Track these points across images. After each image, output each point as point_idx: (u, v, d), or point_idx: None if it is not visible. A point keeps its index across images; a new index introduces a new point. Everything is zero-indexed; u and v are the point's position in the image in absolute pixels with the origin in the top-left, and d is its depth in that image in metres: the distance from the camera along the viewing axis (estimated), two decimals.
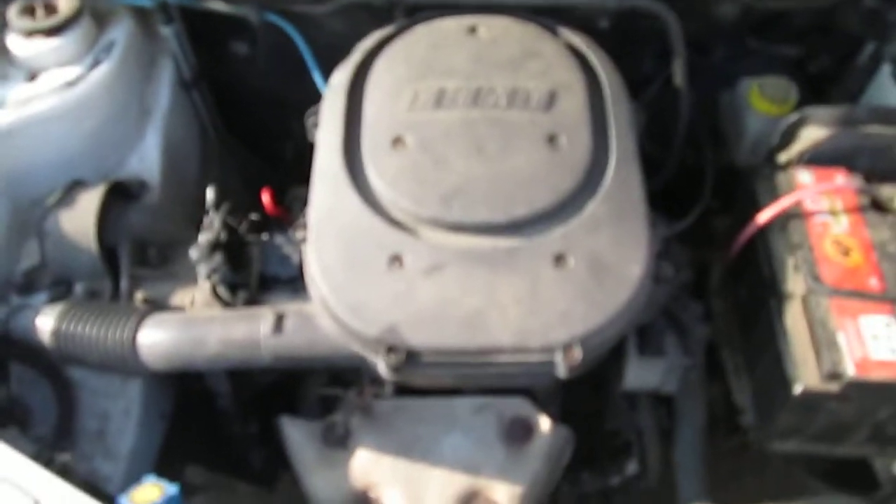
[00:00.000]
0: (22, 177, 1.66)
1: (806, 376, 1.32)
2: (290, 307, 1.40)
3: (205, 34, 1.94)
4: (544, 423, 1.52)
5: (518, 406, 1.54)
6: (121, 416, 1.62)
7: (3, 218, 1.65)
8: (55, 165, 1.68)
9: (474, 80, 1.45)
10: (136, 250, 1.60)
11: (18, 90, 1.63)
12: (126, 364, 1.41)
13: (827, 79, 1.87)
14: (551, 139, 1.39)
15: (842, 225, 1.44)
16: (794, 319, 1.39)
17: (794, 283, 1.41)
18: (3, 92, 1.62)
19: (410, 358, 1.25)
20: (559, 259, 1.29)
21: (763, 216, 1.48)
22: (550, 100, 1.43)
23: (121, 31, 1.78)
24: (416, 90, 1.45)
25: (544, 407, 1.55)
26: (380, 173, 1.37)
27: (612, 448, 1.78)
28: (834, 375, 1.28)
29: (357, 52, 1.58)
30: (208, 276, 1.45)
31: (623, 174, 1.38)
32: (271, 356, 1.35)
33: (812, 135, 1.52)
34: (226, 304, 1.47)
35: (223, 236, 1.49)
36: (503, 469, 1.48)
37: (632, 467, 1.70)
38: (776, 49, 1.89)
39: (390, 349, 1.24)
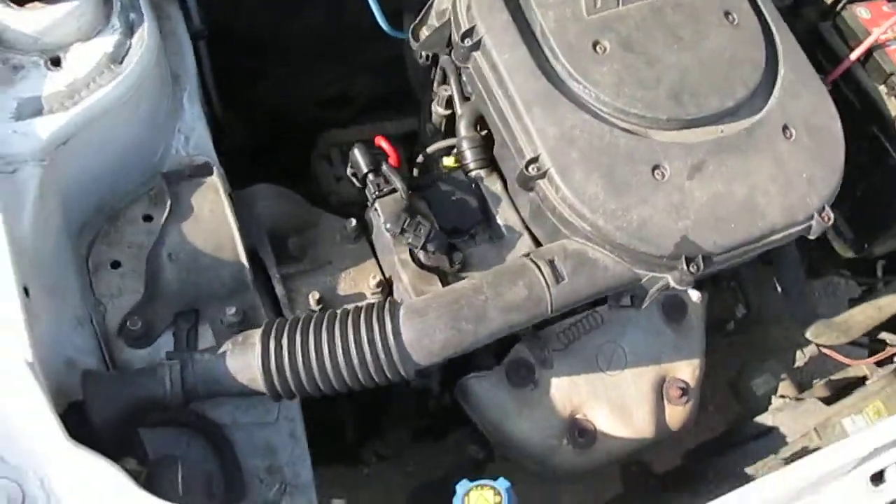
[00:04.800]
0: (73, 195, 1.23)
1: None
2: (541, 251, 1.26)
3: None
4: (692, 294, 1.58)
5: None
6: (288, 442, 1.37)
7: (67, 254, 1.23)
8: (107, 171, 1.27)
9: None
10: (275, 245, 1.29)
11: (53, 82, 1.16)
12: (390, 369, 1.16)
13: None
14: (727, 15, 1.37)
15: None
16: None
17: (893, 106, 1.59)
18: (33, 89, 1.15)
19: (706, 263, 1.22)
20: (785, 130, 1.32)
21: (853, 55, 1.62)
22: None
23: None
24: None
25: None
26: (596, 84, 1.25)
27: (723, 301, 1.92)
28: None
29: None
30: (422, 246, 1.24)
31: (787, 39, 1.42)
32: (556, 306, 1.21)
33: None
34: (443, 273, 1.28)
35: (405, 197, 1.27)
36: (677, 348, 1.55)
37: (741, 310, 1.86)
38: None
39: (689, 261, 1.21)
